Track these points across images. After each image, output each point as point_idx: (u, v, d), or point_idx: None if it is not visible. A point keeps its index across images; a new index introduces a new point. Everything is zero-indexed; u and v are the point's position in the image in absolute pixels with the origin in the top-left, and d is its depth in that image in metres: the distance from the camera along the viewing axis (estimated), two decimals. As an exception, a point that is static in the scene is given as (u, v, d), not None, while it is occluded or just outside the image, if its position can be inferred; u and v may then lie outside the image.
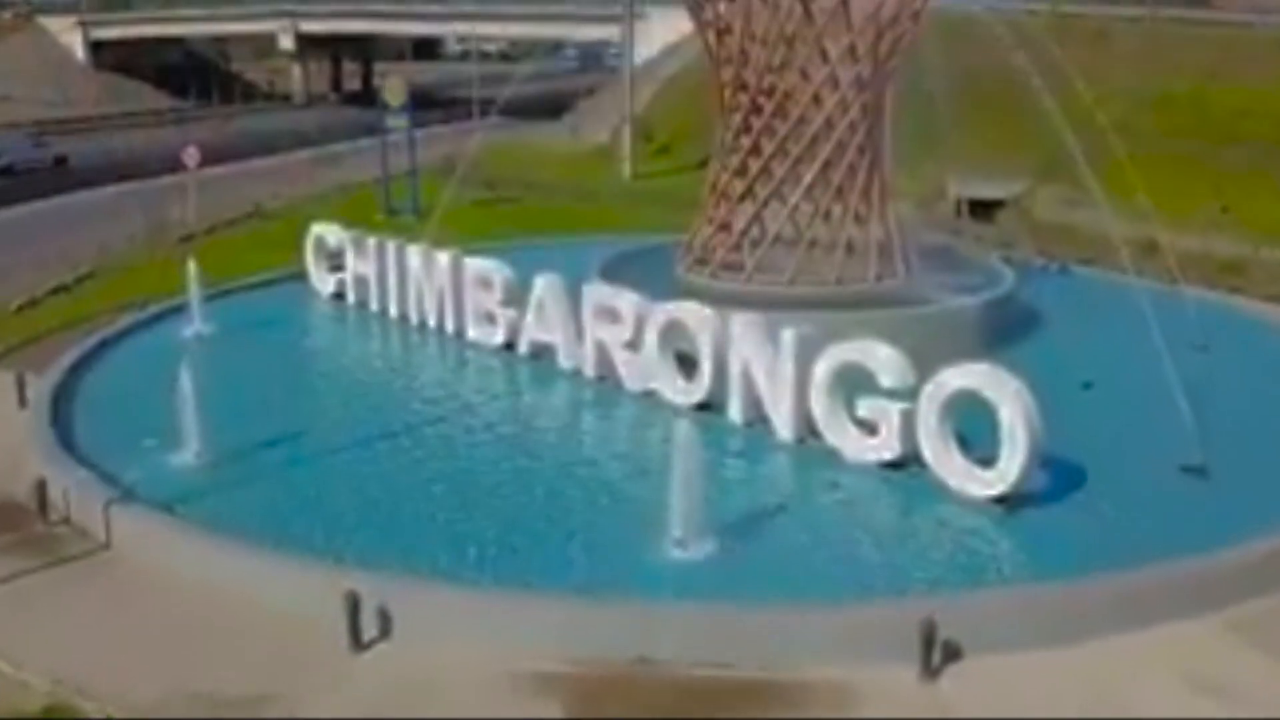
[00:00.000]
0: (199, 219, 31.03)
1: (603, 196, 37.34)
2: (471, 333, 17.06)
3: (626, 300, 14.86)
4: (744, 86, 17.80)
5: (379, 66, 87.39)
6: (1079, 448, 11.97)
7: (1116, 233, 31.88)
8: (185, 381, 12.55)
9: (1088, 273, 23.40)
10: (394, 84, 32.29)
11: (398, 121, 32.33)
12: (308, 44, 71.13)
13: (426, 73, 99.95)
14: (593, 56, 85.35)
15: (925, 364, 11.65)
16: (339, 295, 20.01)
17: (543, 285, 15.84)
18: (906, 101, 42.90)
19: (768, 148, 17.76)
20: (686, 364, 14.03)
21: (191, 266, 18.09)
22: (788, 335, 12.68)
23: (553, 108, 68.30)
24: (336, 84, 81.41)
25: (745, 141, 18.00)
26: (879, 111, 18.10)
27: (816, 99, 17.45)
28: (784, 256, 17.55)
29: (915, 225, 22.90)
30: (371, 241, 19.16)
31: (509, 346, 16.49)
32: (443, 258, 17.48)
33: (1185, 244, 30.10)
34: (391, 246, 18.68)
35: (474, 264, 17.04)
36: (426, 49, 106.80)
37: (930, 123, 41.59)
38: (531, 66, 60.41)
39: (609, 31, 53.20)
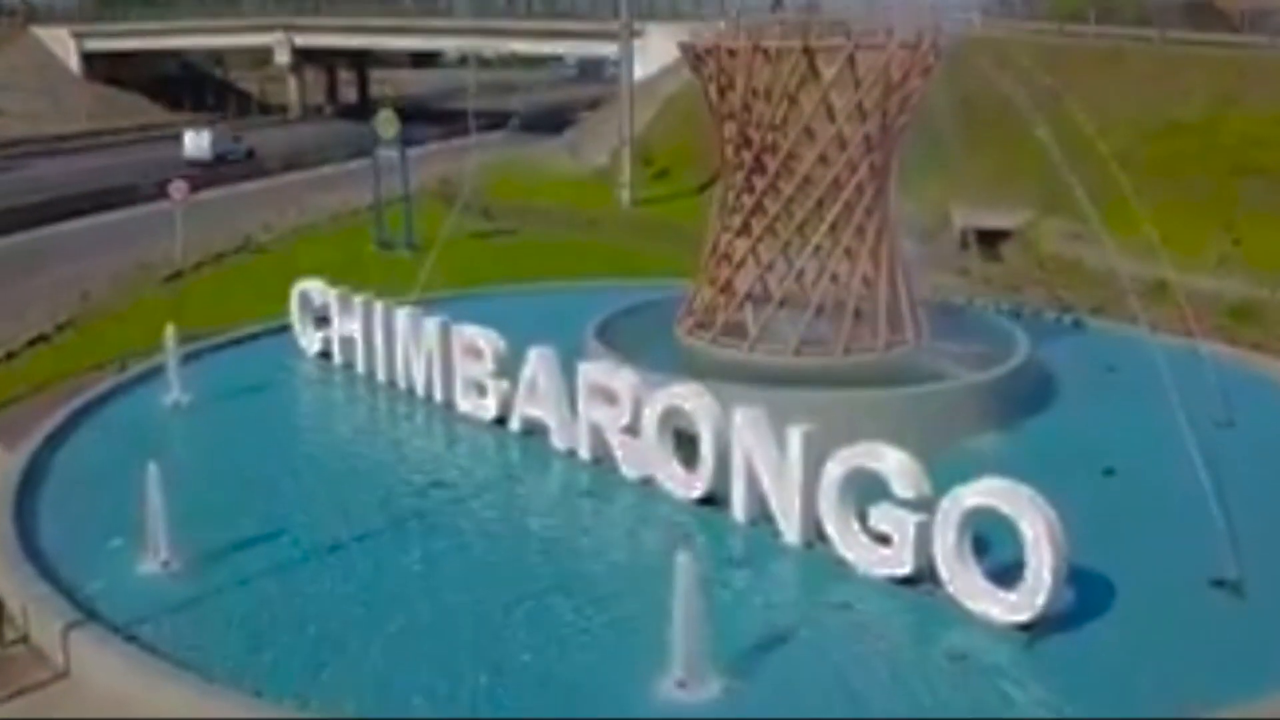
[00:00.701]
0: (186, 253, 30.31)
1: (602, 226, 36.56)
2: (462, 404, 16.30)
3: (624, 380, 14.11)
4: (747, 143, 17.04)
5: (376, 74, 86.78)
6: (1102, 554, 11.17)
7: (1124, 270, 31.31)
8: (153, 476, 11.77)
9: (1100, 326, 22.57)
10: (386, 116, 31.46)
11: (391, 154, 31.44)
12: (304, 57, 70.29)
13: (424, 81, 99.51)
14: (592, 66, 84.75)
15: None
16: (325, 354, 19.23)
17: (535, 360, 15.07)
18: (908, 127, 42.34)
19: (772, 208, 17.02)
20: (686, 444, 13.28)
21: (169, 331, 17.27)
22: (795, 436, 11.91)
23: (553, 122, 67.73)
24: (332, 93, 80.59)
25: (748, 200, 17.25)
26: (887, 170, 17.31)
27: (823, 158, 16.69)
28: (789, 322, 16.79)
29: (922, 264, 22.04)
30: (358, 301, 18.34)
31: (501, 421, 15.74)
32: (430, 325, 16.70)
33: (1196, 284, 29.31)
34: (379, 308, 17.87)
35: (463, 332, 16.27)
36: (425, 56, 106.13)
37: (934, 146, 40.90)
38: (522, 99, 60.12)
39: (608, 48, 52.46)
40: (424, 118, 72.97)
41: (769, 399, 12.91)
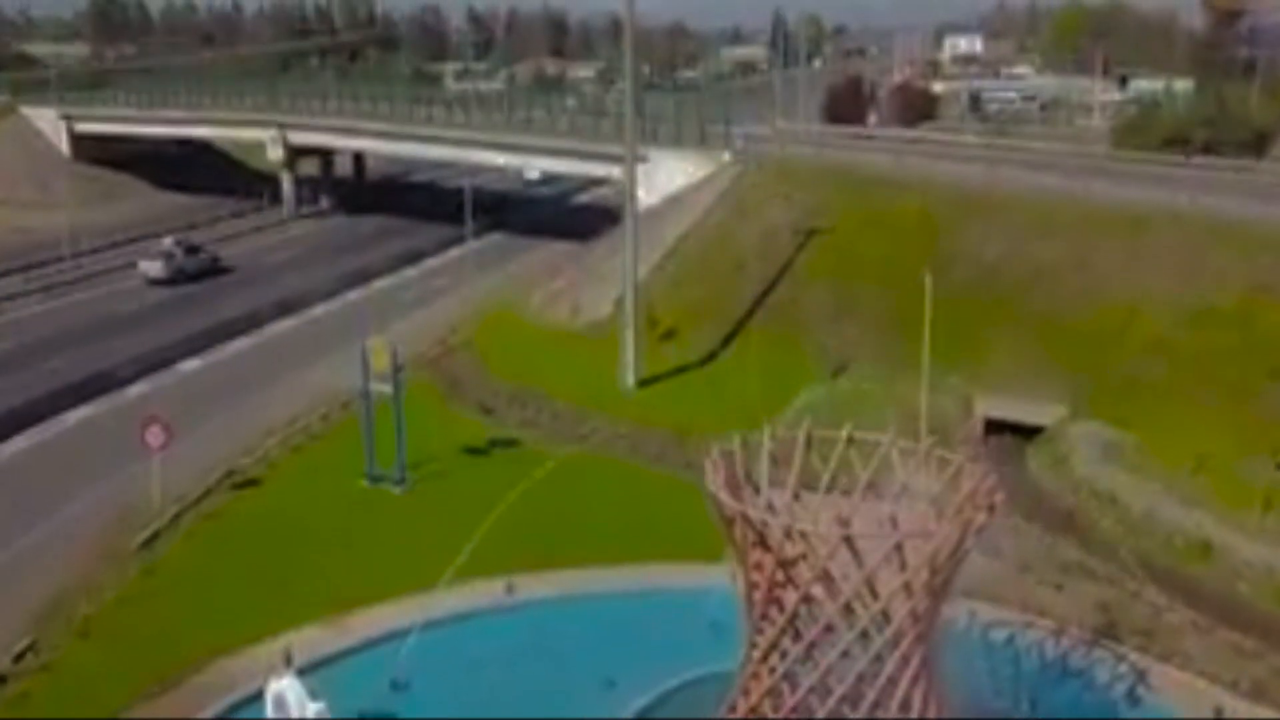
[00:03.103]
0: (163, 502, 28.41)
1: (604, 425, 34.67)
2: None
3: None
4: (778, 606, 15.18)
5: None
6: None
7: (1164, 518, 29.38)
8: None
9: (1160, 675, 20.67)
10: (378, 345, 29.56)
11: (383, 388, 29.56)
12: (297, 152, 68.45)
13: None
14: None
15: None
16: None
17: None
18: (923, 301, 40.41)
19: (804, 680, 15.16)
20: None
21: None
22: None
23: (556, 226, 65.84)
24: (327, 168, 77.65)
25: (776, 663, 15.39)
26: (932, 634, 15.45)
27: (864, 634, 14.84)
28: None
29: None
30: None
31: None
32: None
33: (1241, 550, 27.54)
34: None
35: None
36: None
37: (955, 324, 39.14)
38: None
39: (611, 170, 50.57)
40: (421, 198, 71.18)
41: None
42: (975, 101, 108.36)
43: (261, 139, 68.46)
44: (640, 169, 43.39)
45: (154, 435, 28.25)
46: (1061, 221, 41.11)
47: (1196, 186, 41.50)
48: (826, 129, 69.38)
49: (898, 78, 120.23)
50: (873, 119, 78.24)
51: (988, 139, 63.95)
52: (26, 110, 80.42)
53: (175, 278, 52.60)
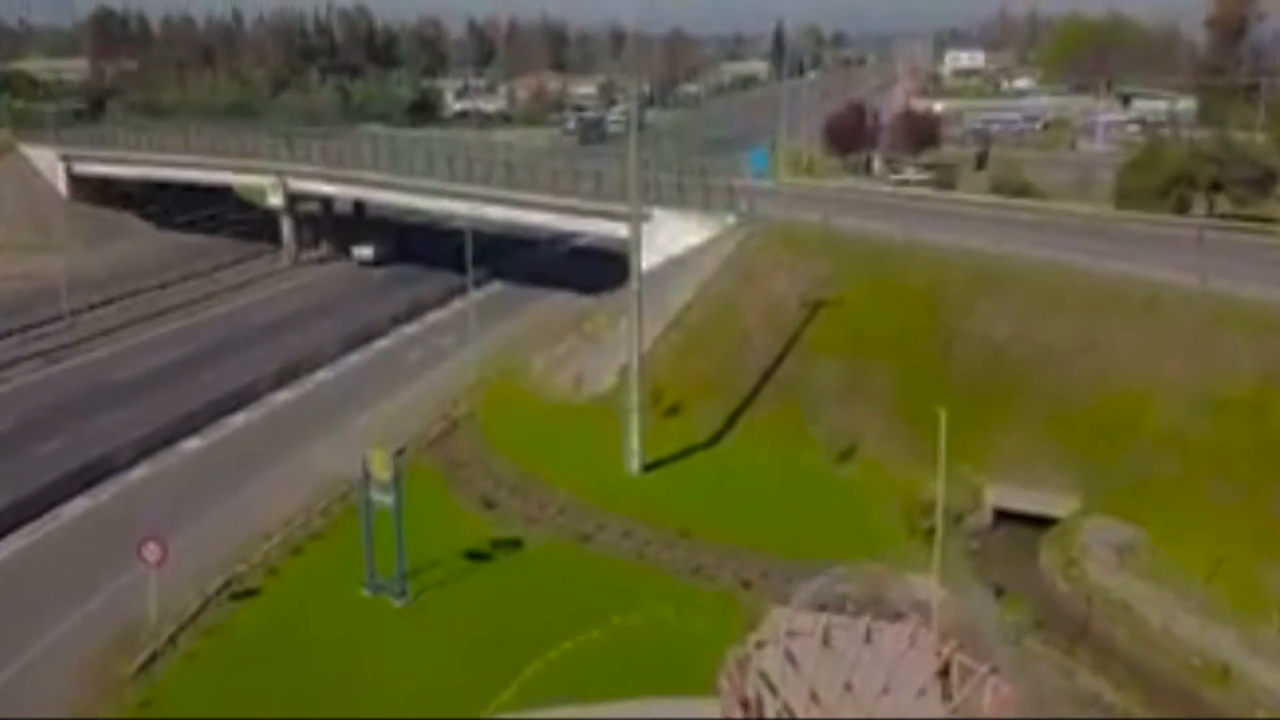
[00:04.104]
0: (160, 620, 27.90)
1: (609, 521, 34.13)
2: None
3: None
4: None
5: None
6: None
7: (1179, 634, 28.83)
8: None
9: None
10: (379, 455, 29.06)
11: (384, 498, 29.07)
12: (297, 198, 67.97)
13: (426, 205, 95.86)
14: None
15: None
16: None
17: None
18: (935, 379, 39.85)
19: None
20: None
21: None
22: None
23: (558, 273, 65.16)
24: (328, 206, 76.73)
25: None
26: None
27: None
28: None
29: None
30: None
31: None
32: None
33: (1259, 672, 27.02)
34: None
35: None
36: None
37: (963, 406, 38.51)
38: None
39: (617, 228, 49.88)
40: (422, 240, 70.42)
41: None
42: (979, 134, 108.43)
43: (261, 184, 67.90)
44: (644, 227, 42.65)
45: (151, 552, 27.76)
46: (1071, 299, 40.53)
47: (1208, 251, 40.50)
48: (829, 183, 68.81)
49: (899, 94, 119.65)
50: (876, 163, 77.65)
51: (996, 198, 63.45)
52: (25, 149, 79.80)
53: None
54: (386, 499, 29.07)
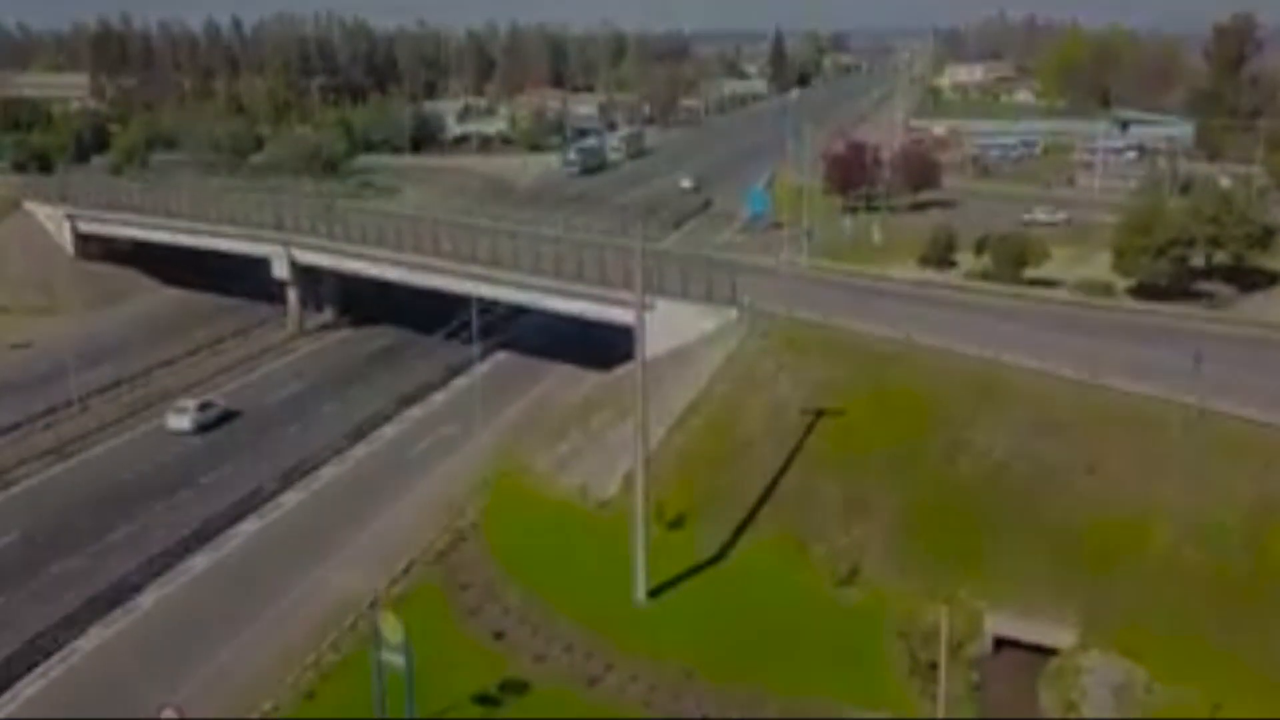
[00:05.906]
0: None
1: (616, 660, 34.61)
2: None
3: None
4: None
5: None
6: None
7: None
8: None
9: None
10: (390, 620, 29.68)
11: (395, 658, 29.68)
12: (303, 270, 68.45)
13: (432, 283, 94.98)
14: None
15: None
16: None
17: None
18: (932, 500, 40.25)
19: None
20: None
21: None
22: None
23: (561, 344, 65.28)
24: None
25: None
26: None
27: None
28: None
29: None
30: None
31: None
32: None
33: None
34: None
35: None
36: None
37: (963, 526, 39.23)
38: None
39: (621, 314, 50.39)
40: (427, 307, 70.56)
41: None
42: (977, 162, 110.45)
43: (266, 254, 68.37)
44: (646, 316, 43.07)
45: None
46: (1071, 417, 41.07)
47: (1207, 361, 40.40)
48: (831, 267, 69.38)
49: (898, 137, 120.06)
50: (876, 234, 78.13)
51: (1000, 286, 64.27)
52: (31, 206, 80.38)
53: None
54: (398, 659, 29.63)
